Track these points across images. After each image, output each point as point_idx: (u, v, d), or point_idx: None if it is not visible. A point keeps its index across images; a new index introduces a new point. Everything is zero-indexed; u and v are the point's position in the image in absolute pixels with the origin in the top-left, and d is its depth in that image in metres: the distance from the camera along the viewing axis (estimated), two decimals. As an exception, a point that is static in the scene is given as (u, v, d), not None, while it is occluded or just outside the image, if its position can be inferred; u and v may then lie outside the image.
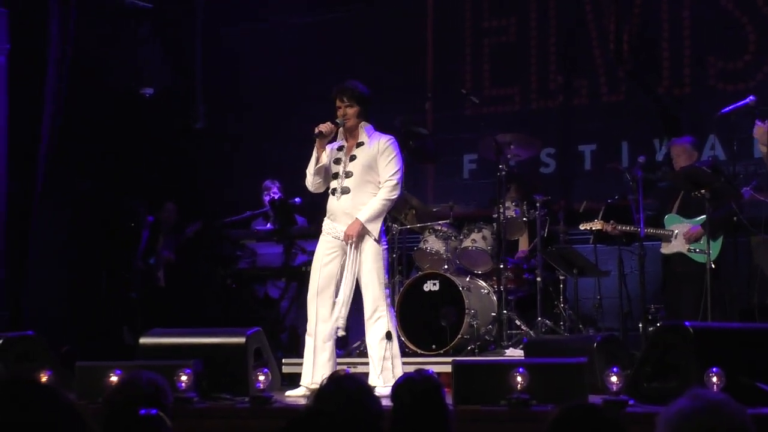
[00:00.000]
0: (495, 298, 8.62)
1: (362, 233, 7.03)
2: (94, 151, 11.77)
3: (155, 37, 11.83)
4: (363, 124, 7.25)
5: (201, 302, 10.96)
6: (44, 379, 6.03)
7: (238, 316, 10.03)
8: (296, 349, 9.99)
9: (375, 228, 7.07)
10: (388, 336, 7.00)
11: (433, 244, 8.93)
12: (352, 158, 7.18)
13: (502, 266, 8.57)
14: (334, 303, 7.13)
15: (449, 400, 5.21)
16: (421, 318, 8.56)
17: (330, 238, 7.19)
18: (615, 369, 5.52)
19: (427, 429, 3.84)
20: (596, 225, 8.68)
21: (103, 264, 11.81)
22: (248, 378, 6.35)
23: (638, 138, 10.37)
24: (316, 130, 7.18)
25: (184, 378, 6.06)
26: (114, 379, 6.02)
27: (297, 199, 9.90)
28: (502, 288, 8.50)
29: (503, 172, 8.79)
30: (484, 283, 8.83)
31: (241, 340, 6.73)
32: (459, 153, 11.08)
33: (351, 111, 7.20)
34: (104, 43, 11.62)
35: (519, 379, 5.57)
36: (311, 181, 7.29)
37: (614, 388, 5.47)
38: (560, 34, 10.89)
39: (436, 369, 6.45)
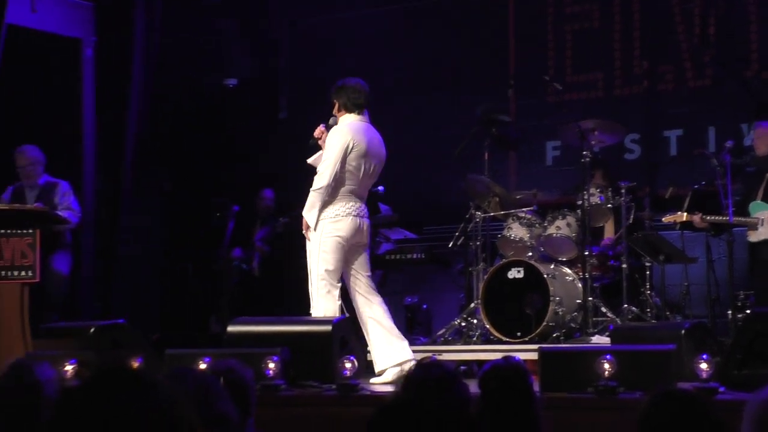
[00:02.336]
0: (580, 285, 8.56)
1: (305, 224, 7.31)
2: (179, 142, 11.92)
3: (239, 28, 11.93)
4: (342, 118, 7.43)
5: (288, 291, 11.04)
6: (135, 366, 6.13)
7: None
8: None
9: (310, 219, 7.27)
10: None
11: (516, 231, 8.89)
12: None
13: (587, 253, 8.51)
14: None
15: (536, 387, 5.20)
16: (506, 305, 8.52)
17: None
18: (705, 356, 5.46)
19: (515, 416, 3.84)
20: (681, 218, 8.57)
21: (190, 255, 11.96)
22: (334, 366, 6.38)
23: (725, 123, 10.23)
24: (313, 136, 7.49)
25: (271, 365, 6.12)
26: (203, 366, 6.11)
27: (380, 188, 9.92)
28: (587, 275, 8.43)
29: (587, 159, 8.72)
30: (569, 270, 8.77)
31: (328, 328, 6.78)
32: (542, 140, 11.03)
33: (335, 108, 7.47)
34: (189, 35, 11.75)
35: (606, 366, 5.54)
36: None
37: (704, 375, 5.42)
38: (644, 19, 10.77)
39: (521, 356, 6.43)
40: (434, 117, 11.44)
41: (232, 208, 10.92)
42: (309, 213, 7.27)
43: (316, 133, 7.45)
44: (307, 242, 7.32)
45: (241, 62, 11.93)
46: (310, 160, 7.50)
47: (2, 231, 7.89)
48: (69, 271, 9.38)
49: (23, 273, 7.84)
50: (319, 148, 7.46)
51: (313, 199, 7.27)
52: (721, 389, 5.49)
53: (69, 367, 6.53)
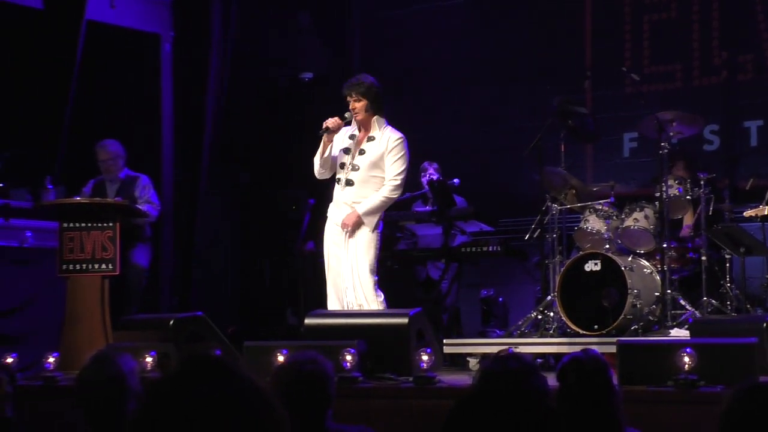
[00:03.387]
0: (658, 277, 8.47)
1: (358, 224, 7.37)
2: (255, 137, 12.00)
3: (314, 22, 11.97)
4: (376, 118, 7.50)
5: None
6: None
7: (399, 297, 10.11)
8: (457, 329, 10.03)
9: (371, 221, 7.38)
10: None
11: (593, 223, 8.81)
12: (361, 152, 7.46)
13: (665, 245, 8.42)
14: (345, 286, 7.47)
15: (614, 380, 5.16)
16: (583, 298, 8.46)
17: (333, 224, 7.55)
18: (787, 349, 5.39)
19: (594, 409, 3.82)
20: (763, 211, 8.44)
21: (267, 247, 12.03)
22: (411, 358, 6.39)
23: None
24: (324, 126, 7.44)
25: (348, 358, 6.15)
26: (280, 358, 6.16)
27: (455, 180, 9.93)
28: (665, 267, 8.34)
29: (665, 150, 8.63)
30: (646, 263, 8.67)
31: (404, 320, 6.79)
32: (619, 132, 10.93)
33: (359, 105, 7.45)
34: (264, 29, 11.82)
35: (686, 359, 5.49)
36: (317, 170, 7.62)
37: (786, 368, 5.34)
38: (723, 8, 10.62)
39: (598, 349, 6.38)
40: (509, 109, 11.40)
41: (308, 201, 10.97)
42: (372, 216, 7.42)
43: (333, 125, 7.45)
44: (354, 238, 7.41)
45: (315, 56, 11.97)
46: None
47: (83, 224, 8.02)
48: (148, 264, 9.50)
49: (104, 266, 7.97)
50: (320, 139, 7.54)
51: (383, 206, 7.48)
52: (805, 383, 5.40)
53: (149, 359, 6.62)
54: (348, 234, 7.42)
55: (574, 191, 9.09)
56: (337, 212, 7.53)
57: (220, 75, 11.12)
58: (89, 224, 8.01)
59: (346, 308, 7.41)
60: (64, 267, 8.04)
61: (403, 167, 7.43)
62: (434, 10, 12.06)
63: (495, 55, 11.57)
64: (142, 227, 9.35)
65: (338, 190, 7.55)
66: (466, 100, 11.71)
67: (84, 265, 7.97)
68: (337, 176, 7.58)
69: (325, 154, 7.53)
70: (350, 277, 7.40)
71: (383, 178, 7.45)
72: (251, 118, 11.92)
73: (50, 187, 9.05)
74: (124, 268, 8.41)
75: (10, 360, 6.97)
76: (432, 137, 11.39)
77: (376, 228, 7.42)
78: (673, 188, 8.65)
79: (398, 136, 7.48)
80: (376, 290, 7.40)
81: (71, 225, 8.05)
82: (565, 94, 9.72)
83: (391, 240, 10.46)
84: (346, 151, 7.54)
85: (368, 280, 7.36)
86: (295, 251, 11.13)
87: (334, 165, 7.58)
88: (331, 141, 7.51)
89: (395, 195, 7.46)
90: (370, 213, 7.39)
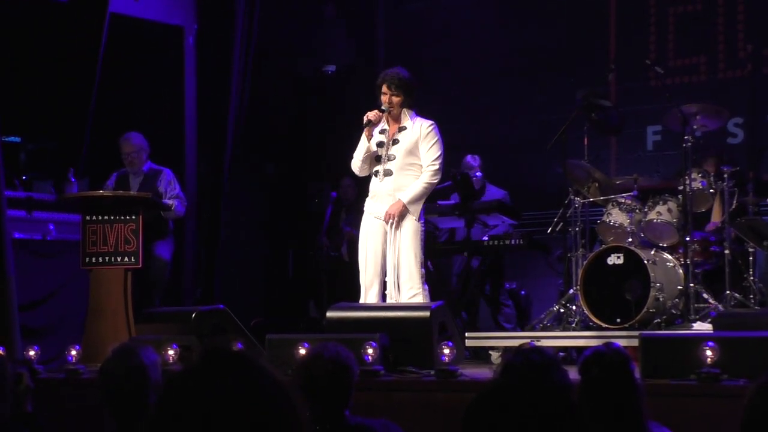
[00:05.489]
0: (681, 271, 8.44)
1: (403, 213, 7.39)
2: (279, 129, 12.01)
3: (339, 15, 11.96)
4: (406, 110, 7.56)
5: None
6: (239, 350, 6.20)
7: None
8: (477, 323, 10.02)
9: (416, 209, 7.43)
10: None
11: (616, 216, 8.78)
12: (395, 142, 7.52)
13: (688, 239, 8.38)
14: (381, 280, 7.48)
15: (637, 374, 5.13)
16: (605, 291, 8.43)
17: (372, 218, 7.54)
18: (810, 344, 5.35)
19: (617, 402, 3.80)
20: None
21: (289, 241, 12.04)
22: (433, 351, 6.39)
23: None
24: (365, 119, 7.51)
25: (370, 351, 6.15)
26: (302, 351, 6.16)
27: (478, 174, 9.91)
28: (688, 261, 8.31)
29: (689, 144, 8.59)
30: (669, 256, 8.65)
31: (426, 314, 6.78)
32: (643, 125, 10.90)
33: (396, 100, 7.51)
34: (289, 21, 11.82)
35: (709, 353, 5.46)
36: (359, 166, 7.67)
37: (810, 363, 5.31)
38: (748, 1, 10.56)
39: (621, 343, 6.35)
40: (533, 102, 11.37)
41: (330, 194, 10.98)
42: (416, 204, 7.46)
43: (374, 117, 7.52)
44: (399, 229, 7.40)
45: (340, 48, 11.96)
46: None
47: (106, 217, 8.05)
48: (171, 257, 9.51)
49: (127, 259, 8.00)
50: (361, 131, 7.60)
51: (425, 192, 7.53)
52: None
53: (171, 352, 6.64)
54: (393, 225, 7.43)
55: (597, 184, 9.06)
56: (377, 205, 7.54)
57: (244, 67, 11.12)
58: (112, 217, 8.04)
59: (392, 301, 7.40)
60: (87, 260, 8.07)
61: (440, 152, 7.50)
62: (459, 2, 12.04)
63: (519, 48, 11.54)
64: (164, 220, 9.37)
65: (376, 183, 7.57)
66: (490, 94, 11.69)
67: (107, 258, 8.00)
68: (374, 169, 7.62)
69: (369, 150, 7.58)
70: (395, 269, 7.39)
71: (420, 165, 7.51)
72: (276, 110, 11.93)
73: (73, 179, 9.07)
74: (146, 261, 8.44)
75: (32, 353, 7.00)
76: (455, 130, 11.34)
77: (419, 218, 7.48)
78: (696, 181, 8.61)
79: (429, 123, 7.57)
80: (423, 283, 7.42)
81: (94, 218, 8.08)
82: (589, 87, 9.71)
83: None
84: (380, 144, 7.59)
85: (416, 272, 7.38)
86: (317, 244, 11.15)
87: (372, 160, 7.62)
88: (372, 134, 7.55)
89: (435, 180, 7.52)
90: (413, 201, 7.44)
